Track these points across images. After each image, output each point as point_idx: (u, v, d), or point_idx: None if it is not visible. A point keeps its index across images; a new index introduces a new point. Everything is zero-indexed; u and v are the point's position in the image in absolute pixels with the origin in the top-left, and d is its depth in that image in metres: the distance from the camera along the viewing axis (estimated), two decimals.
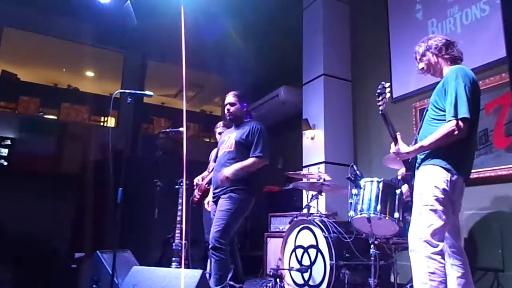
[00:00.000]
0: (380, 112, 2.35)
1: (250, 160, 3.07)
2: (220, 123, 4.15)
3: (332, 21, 5.72)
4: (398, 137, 2.35)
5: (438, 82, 2.36)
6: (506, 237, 3.38)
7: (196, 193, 4.21)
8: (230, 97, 3.32)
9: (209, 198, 3.45)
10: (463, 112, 2.09)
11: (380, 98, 2.33)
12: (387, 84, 2.35)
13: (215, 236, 2.91)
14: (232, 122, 3.36)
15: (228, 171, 3.01)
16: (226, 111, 3.34)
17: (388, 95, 2.34)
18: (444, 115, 2.19)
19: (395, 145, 2.35)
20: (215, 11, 7.64)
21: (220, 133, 4.02)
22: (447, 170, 2.15)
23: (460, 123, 2.09)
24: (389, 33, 5.02)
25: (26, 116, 8.64)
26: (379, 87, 2.35)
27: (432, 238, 2.10)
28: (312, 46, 5.79)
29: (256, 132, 3.14)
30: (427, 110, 2.38)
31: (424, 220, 2.14)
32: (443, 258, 2.12)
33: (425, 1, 4.63)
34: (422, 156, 2.28)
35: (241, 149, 3.14)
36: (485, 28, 3.87)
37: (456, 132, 2.09)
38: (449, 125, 2.11)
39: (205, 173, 4.20)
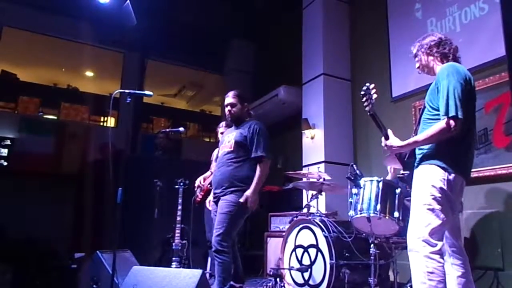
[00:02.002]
0: (369, 113, 2.35)
1: (259, 170, 3.06)
2: (223, 123, 4.14)
3: (332, 20, 5.72)
4: (390, 132, 2.35)
5: None
6: (505, 236, 3.38)
7: (199, 193, 4.21)
8: (230, 98, 3.27)
9: (211, 197, 3.44)
10: (454, 110, 2.08)
11: (364, 99, 2.33)
12: (372, 85, 2.35)
13: (217, 240, 2.91)
14: (233, 123, 3.34)
15: (251, 194, 2.98)
16: (227, 112, 3.29)
17: (374, 96, 2.33)
18: (439, 114, 2.20)
19: (385, 139, 2.35)
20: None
21: (222, 133, 4.02)
22: (444, 169, 2.15)
23: (451, 121, 2.08)
24: (388, 32, 5.03)
25: (26, 116, 8.64)
26: (363, 88, 2.35)
27: (431, 237, 2.09)
28: (311, 45, 5.78)
29: (256, 132, 3.13)
30: (423, 110, 2.38)
31: (422, 219, 2.14)
32: (442, 257, 2.11)
33: (424, 0, 4.63)
34: (420, 156, 2.28)
35: (241, 149, 3.13)
36: (484, 27, 3.87)
37: (448, 130, 2.09)
38: (442, 123, 2.11)
39: (208, 173, 4.19)
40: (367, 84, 2.35)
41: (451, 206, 2.19)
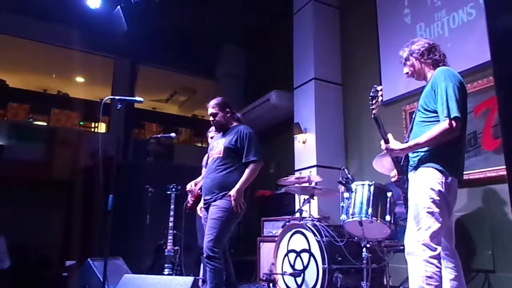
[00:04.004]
0: (373, 116, 2.35)
1: (248, 170, 3.06)
2: (212, 128, 4.14)
3: (322, 26, 5.76)
4: (390, 136, 2.36)
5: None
6: (496, 238, 3.41)
7: (190, 199, 4.19)
8: (210, 108, 3.32)
9: (201, 204, 3.43)
10: (455, 111, 2.11)
11: (373, 101, 2.33)
12: (380, 87, 2.35)
13: (208, 246, 2.89)
14: (220, 130, 3.35)
15: (235, 193, 2.98)
16: (211, 122, 3.36)
17: (380, 98, 2.35)
18: (434, 116, 2.22)
19: (386, 143, 2.35)
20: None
21: (212, 138, 4.02)
22: (442, 172, 2.17)
23: (453, 122, 2.11)
24: (378, 37, 5.07)
25: (15, 122, 8.56)
26: (372, 90, 2.34)
27: (431, 241, 2.10)
28: (302, 50, 5.82)
29: (245, 137, 3.14)
30: (416, 113, 2.40)
31: (422, 222, 2.14)
32: (440, 262, 2.12)
33: (413, 6, 4.69)
34: (416, 159, 2.29)
35: (230, 155, 3.13)
36: (472, 31, 3.92)
37: (450, 131, 2.12)
38: (444, 125, 2.13)
39: (199, 178, 4.18)
40: (375, 86, 2.36)
41: (448, 209, 2.20)
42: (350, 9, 5.82)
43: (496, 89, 1.28)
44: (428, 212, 2.14)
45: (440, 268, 2.10)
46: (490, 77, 3.59)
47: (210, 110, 3.32)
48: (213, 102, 3.33)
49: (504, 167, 1.19)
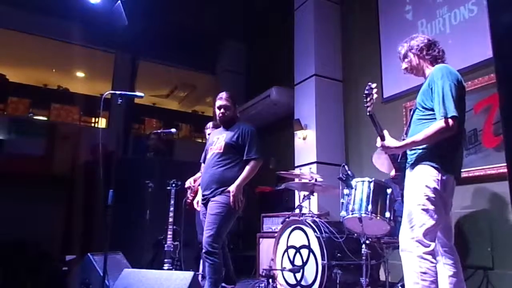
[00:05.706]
0: (368, 113, 2.35)
1: (248, 167, 3.06)
2: (210, 124, 4.14)
3: (323, 22, 5.74)
4: (386, 133, 2.35)
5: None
6: (495, 235, 3.41)
7: (189, 194, 4.19)
8: (224, 100, 3.23)
9: (198, 197, 3.42)
10: (452, 110, 2.11)
11: (368, 99, 2.33)
12: (374, 85, 2.34)
13: (207, 241, 2.89)
14: (224, 125, 3.32)
15: (234, 189, 2.98)
16: (220, 114, 3.24)
17: (375, 96, 2.33)
18: (431, 114, 2.21)
19: (382, 140, 2.33)
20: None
21: (209, 134, 4.01)
22: (438, 169, 2.16)
23: (450, 121, 2.11)
24: (379, 34, 5.06)
25: (15, 117, 8.54)
26: (366, 88, 2.34)
27: (424, 238, 2.10)
28: (303, 46, 5.80)
29: (247, 135, 3.13)
30: (414, 111, 2.39)
31: (416, 219, 2.15)
32: (434, 258, 2.13)
33: (414, 2, 4.67)
34: (413, 157, 2.29)
35: (231, 151, 3.12)
36: (473, 28, 3.90)
37: (447, 130, 2.11)
38: (440, 123, 2.12)
39: (198, 174, 4.18)
40: (370, 84, 2.35)
41: (444, 206, 2.20)
42: (351, 5, 5.80)
43: (498, 86, 1.28)
44: (423, 209, 2.14)
45: (435, 264, 2.11)
46: (492, 74, 3.58)
47: (223, 103, 3.23)
48: (226, 95, 3.25)
49: (504, 164, 1.19)
